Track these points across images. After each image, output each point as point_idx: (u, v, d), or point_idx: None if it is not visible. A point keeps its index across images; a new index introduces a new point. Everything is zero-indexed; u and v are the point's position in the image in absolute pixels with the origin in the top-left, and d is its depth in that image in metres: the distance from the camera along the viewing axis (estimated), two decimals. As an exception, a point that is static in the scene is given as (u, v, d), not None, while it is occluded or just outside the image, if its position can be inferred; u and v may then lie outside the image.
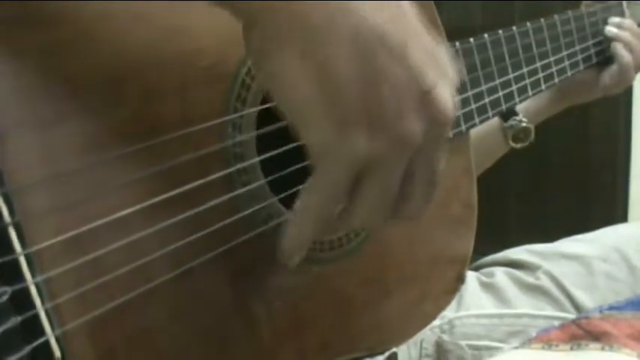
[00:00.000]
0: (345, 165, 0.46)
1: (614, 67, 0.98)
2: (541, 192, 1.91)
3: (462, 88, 0.69)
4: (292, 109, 0.45)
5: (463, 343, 0.83)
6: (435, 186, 0.50)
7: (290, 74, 0.44)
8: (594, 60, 0.95)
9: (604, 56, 0.97)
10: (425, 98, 0.45)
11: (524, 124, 1.00)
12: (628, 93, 1.78)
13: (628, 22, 0.99)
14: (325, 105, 0.44)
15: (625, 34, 0.98)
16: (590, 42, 0.95)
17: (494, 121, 1.01)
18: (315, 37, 0.43)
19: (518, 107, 1.00)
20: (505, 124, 1.01)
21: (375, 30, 0.44)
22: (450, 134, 0.48)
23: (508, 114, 1.01)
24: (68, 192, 0.45)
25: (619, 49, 0.97)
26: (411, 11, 0.47)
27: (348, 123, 0.44)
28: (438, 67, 0.46)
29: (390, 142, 0.45)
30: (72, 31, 0.46)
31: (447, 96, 0.46)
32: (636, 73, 1.01)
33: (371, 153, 0.45)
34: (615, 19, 0.98)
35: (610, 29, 0.97)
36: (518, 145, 1.03)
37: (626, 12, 1.02)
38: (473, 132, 0.73)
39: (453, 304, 0.86)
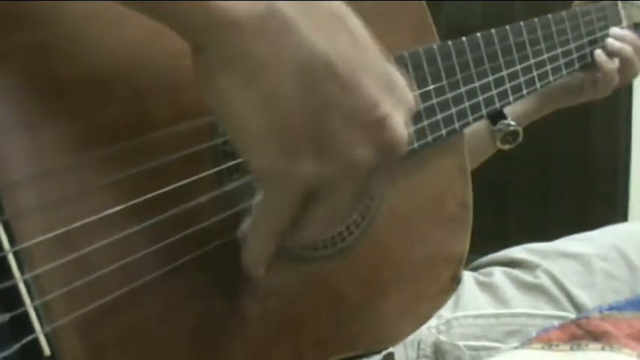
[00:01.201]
0: (291, 189, 0.45)
1: (597, 74, 0.98)
2: (541, 192, 1.91)
3: (453, 86, 0.69)
4: (237, 134, 0.45)
5: (461, 343, 0.83)
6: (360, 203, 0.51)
7: (234, 101, 0.43)
8: (577, 65, 0.94)
9: (586, 61, 0.96)
10: (376, 127, 0.45)
11: (512, 127, 1.01)
12: (628, 93, 1.78)
13: (630, 35, 0.99)
14: (271, 134, 0.43)
15: (628, 49, 0.97)
16: (585, 40, 0.94)
17: (482, 123, 1.01)
18: (261, 66, 0.42)
19: (506, 110, 1.01)
20: (493, 127, 1.02)
21: (325, 60, 0.43)
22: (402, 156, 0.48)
23: (496, 116, 1.01)
24: (57, 190, 0.45)
25: (601, 56, 0.96)
26: (364, 37, 0.46)
27: (295, 150, 0.44)
28: (393, 95, 0.46)
29: (339, 168, 0.45)
30: (58, 31, 0.46)
31: (399, 124, 0.46)
32: (622, 81, 1.01)
33: (319, 178, 0.45)
34: (618, 32, 0.97)
35: (613, 43, 0.97)
36: (506, 147, 1.03)
37: (621, 12, 1.01)
38: None
39: (451, 304, 0.86)
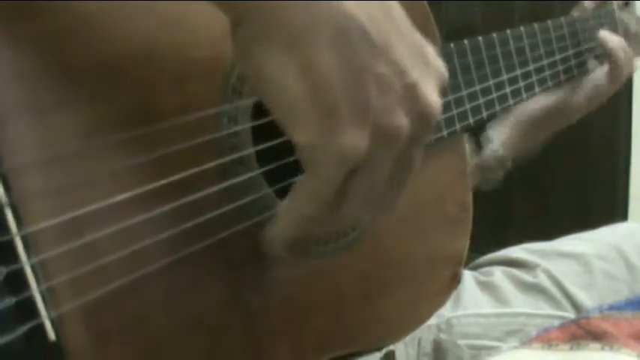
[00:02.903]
0: (332, 162, 0.46)
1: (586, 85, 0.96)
2: (541, 191, 1.91)
3: (455, 89, 0.70)
4: (277, 105, 0.46)
5: (461, 342, 0.83)
6: (407, 182, 0.50)
7: (274, 72, 0.44)
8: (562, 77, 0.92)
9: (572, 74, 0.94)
10: (409, 93, 0.46)
11: (498, 154, 0.98)
12: (628, 93, 1.78)
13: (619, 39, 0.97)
14: (310, 101, 0.44)
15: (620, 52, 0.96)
16: (584, 47, 0.94)
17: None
18: (298, 34, 0.43)
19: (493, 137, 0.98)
20: (479, 151, 0.98)
21: (359, 26, 0.44)
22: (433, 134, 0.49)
23: (483, 141, 0.98)
24: (65, 176, 0.45)
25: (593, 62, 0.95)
26: (396, 9, 0.47)
27: (334, 119, 0.44)
28: (424, 64, 0.47)
29: (377, 137, 0.45)
30: (71, 19, 0.47)
31: (432, 91, 0.47)
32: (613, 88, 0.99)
33: (358, 149, 0.45)
34: (607, 34, 0.96)
35: (605, 43, 0.95)
36: (489, 183, 0.99)
37: (616, 15, 1.00)
38: None
39: (451, 303, 0.86)
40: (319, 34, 0.43)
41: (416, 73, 0.46)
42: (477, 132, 0.99)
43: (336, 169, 0.46)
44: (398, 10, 0.47)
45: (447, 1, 1.89)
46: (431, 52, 0.48)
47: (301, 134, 0.45)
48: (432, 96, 0.47)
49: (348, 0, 0.44)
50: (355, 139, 0.45)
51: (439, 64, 0.49)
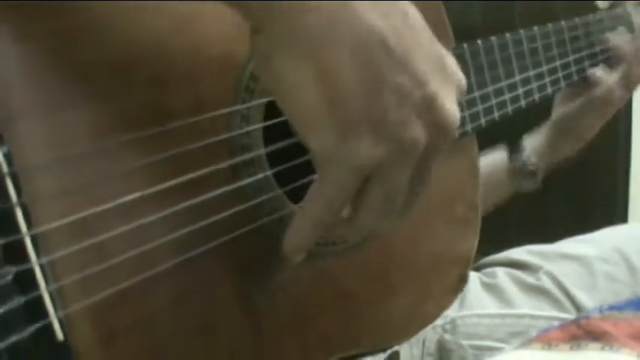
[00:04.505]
0: (348, 171, 0.46)
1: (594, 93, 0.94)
2: (541, 192, 1.90)
3: (467, 89, 0.69)
4: (294, 113, 0.45)
5: (465, 342, 0.83)
6: (425, 190, 0.50)
7: (293, 80, 0.44)
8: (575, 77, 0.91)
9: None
10: (428, 105, 0.45)
11: (529, 168, 0.98)
12: (628, 93, 1.78)
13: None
14: (327, 110, 0.44)
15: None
16: (598, 49, 0.92)
17: (502, 161, 0.99)
18: (318, 42, 0.43)
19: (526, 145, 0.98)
20: (511, 164, 0.99)
21: (379, 36, 0.44)
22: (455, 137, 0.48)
23: (515, 153, 0.98)
24: (76, 176, 0.45)
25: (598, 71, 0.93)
26: (417, 19, 0.47)
27: (351, 128, 0.44)
28: (443, 74, 0.46)
29: (393, 148, 0.45)
30: (84, 17, 0.46)
31: (450, 103, 0.46)
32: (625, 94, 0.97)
33: (374, 159, 0.45)
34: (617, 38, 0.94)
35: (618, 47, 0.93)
36: (525, 189, 1.00)
37: (633, 15, 0.98)
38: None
39: (455, 303, 0.86)
40: (339, 44, 0.43)
41: (435, 84, 0.45)
42: (511, 140, 0.99)
43: (350, 177, 0.46)
44: (419, 21, 0.47)
45: (447, 0, 1.88)
46: (450, 62, 0.48)
47: (317, 142, 0.45)
48: (451, 107, 0.46)
49: (369, 10, 0.44)
50: (371, 149, 0.44)
51: (458, 75, 0.48)
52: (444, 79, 0.46)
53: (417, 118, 0.45)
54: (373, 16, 0.44)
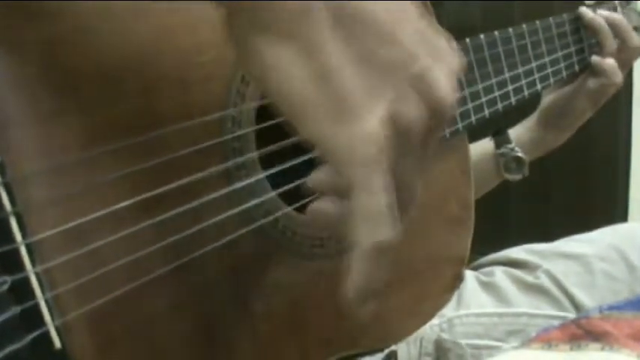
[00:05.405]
0: (370, 161, 0.41)
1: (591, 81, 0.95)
2: (541, 192, 1.91)
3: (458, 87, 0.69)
4: (284, 98, 0.42)
5: (463, 342, 0.83)
6: (418, 186, 0.46)
7: (276, 61, 0.41)
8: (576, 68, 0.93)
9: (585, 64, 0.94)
10: (420, 80, 0.43)
11: (515, 154, 0.99)
12: (628, 93, 1.78)
13: (619, 17, 0.96)
14: (318, 89, 0.41)
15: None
16: (586, 44, 0.93)
17: (488, 149, 1.00)
18: (297, 20, 0.41)
19: (512, 136, 1.00)
20: (497, 151, 0.99)
21: (361, 11, 0.42)
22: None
23: (500, 141, 0.99)
24: (69, 183, 0.45)
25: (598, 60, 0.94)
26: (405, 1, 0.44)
27: (346, 106, 0.41)
28: (433, 51, 0.44)
29: (391, 127, 0.42)
30: (72, 25, 0.46)
31: (442, 79, 0.43)
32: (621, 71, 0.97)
33: (377, 136, 0.41)
34: (605, 12, 0.95)
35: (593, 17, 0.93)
36: (512, 177, 1.00)
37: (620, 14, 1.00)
38: None
39: (453, 302, 0.87)
40: (319, 18, 0.41)
41: (427, 60, 0.43)
42: (497, 132, 1.00)
43: (375, 173, 0.41)
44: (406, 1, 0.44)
45: (447, 0, 1.89)
46: (442, 42, 0.45)
47: (313, 125, 0.42)
48: (444, 84, 0.43)
49: None
50: (371, 125, 0.41)
51: (450, 55, 0.45)
52: (436, 56, 0.44)
53: (412, 95, 0.42)
54: None
